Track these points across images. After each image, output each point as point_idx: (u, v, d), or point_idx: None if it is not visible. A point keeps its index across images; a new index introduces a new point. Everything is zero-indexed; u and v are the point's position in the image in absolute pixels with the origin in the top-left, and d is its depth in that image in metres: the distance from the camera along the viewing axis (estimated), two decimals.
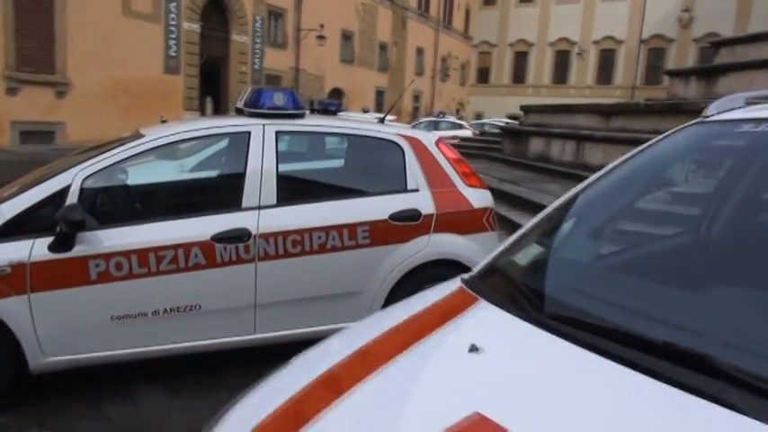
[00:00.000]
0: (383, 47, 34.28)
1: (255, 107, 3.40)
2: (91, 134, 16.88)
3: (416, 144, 3.59)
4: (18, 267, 2.78)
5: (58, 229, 2.82)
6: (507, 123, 26.70)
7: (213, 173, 3.45)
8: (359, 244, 3.32)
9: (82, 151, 3.55)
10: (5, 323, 2.79)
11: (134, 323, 3.01)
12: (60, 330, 2.91)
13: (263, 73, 24.79)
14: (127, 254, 2.93)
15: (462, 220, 3.58)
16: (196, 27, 20.79)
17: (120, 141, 3.33)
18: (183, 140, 3.18)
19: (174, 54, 19.92)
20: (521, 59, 46.79)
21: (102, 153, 3.05)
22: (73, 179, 2.92)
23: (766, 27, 41.00)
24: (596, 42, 43.49)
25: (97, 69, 17.06)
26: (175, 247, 3.00)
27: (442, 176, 3.58)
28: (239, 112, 3.79)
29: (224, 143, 3.47)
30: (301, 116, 3.49)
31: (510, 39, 46.78)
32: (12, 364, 2.87)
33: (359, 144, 3.59)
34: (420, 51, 38.65)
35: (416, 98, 39.51)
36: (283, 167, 3.28)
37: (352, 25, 30.97)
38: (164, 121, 3.65)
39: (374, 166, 3.69)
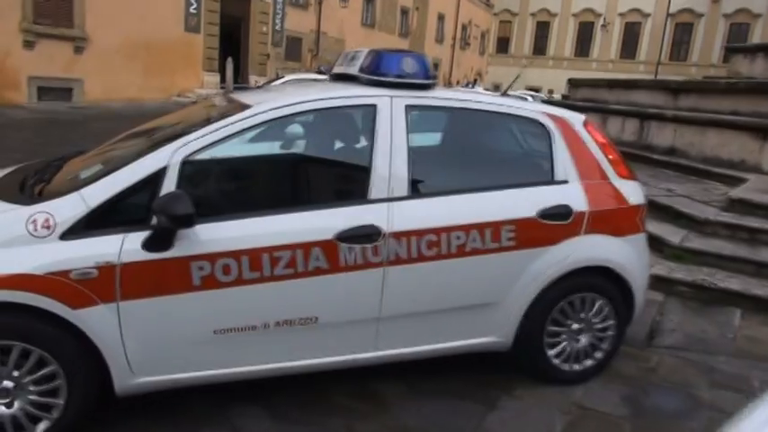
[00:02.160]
0: (405, 11, 33.12)
1: (376, 74, 2.77)
2: (110, 93, 16.22)
3: (564, 125, 2.98)
4: (106, 269, 2.20)
5: (155, 223, 2.24)
6: (534, 96, 25.80)
7: (332, 155, 2.82)
8: (502, 246, 2.73)
9: (156, 124, 2.94)
10: (89, 338, 2.23)
11: (240, 338, 2.45)
12: (154, 346, 2.35)
13: (284, 34, 23.87)
14: (236, 254, 2.35)
15: (616, 219, 2.99)
16: None
17: (215, 111, 2.73)
18: (299, 113, 2.56)
19: (194, 11, 19.04)
20: (542, 30, 45.39)
21: (200, 127, 2.43)
22: (169, 159, 2.32)
23: None
24: (622, 15, 42.09)
25: (116, 25, 16.24)
26: (293, 246, 2.42)
27: (592, 165, 2.98)
28: (339, 78, 3.17)
29: (343, 118, 2.85)
30: (429, 87, 2.87)
31: (532, 8, 45.31)
32: (95, 387, 2.32)
33: (498, 124, 2.97)
34: (441, 18, 37.45)
35: (435, 66, 38.42)
36: (414, 150, 2.66)
37: None
38: (258, 87, 3.02)
39: (516, 150, 3.08)
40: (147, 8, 17.16)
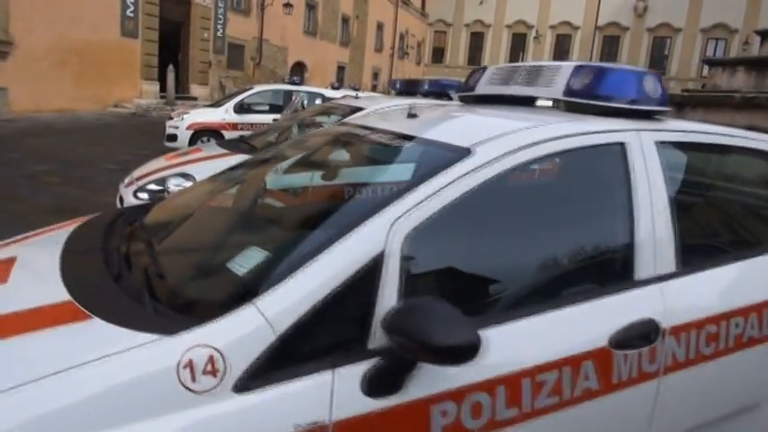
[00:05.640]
0: (345, 20, 32.37)
1: (599, 98, 1.98)
2: (38, 103, 14.42)
3: None
4: None
5: (382, 345, 1.35)
6: None
7: (580, 216, 1.97)
8: None
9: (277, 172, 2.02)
10: None
11: None
12: None
13: (225, 41, 22.48)
14: (489, 386, 1.49)
15: None
16: None
17: (380, 150, 1.86)
18: (539, 159, 1.72)
19: (131, 15, 17.43)
20: (477, 40, 45.90)
21: (410, 186, 1.55)
22: (387, 239, 1.43)
23: (716, 19, 42.14)
24: (553, 27, 43.24)
25: (45, 28, 14.51)
26: (560, 363, 1.59)
27: None
28: (486, 101, 2.39)
29: (584, 163, 2.01)
30: (663, 114, 2.12)
31: (467, 19, 45.75)
32: None
33: (748, 162, 2.25)
34: (380, 27, 37.03)
35: (375, 75, 37.94)
36: (674, 206, 1.89)
37: None
38: (412, 116, 2.14)
39: (760, 196, 2.36)
40: (80, 10, 15.47)
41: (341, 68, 32.95)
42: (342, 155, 2.07)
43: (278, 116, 10.12)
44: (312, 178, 2.00)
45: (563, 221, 1.85)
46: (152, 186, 4.19)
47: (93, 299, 1.41)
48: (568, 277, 1.75)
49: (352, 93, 12.45)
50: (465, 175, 1.58)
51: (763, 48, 11.19)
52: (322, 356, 1.34)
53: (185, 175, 4.15)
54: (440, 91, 5.44)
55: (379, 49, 37.53)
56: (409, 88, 5.82)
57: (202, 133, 10.24)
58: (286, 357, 1.30)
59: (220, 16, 21.91)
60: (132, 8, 17.38)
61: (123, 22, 17.19)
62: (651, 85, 1.99)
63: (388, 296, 1.40)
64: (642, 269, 1.79)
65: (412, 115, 2.14)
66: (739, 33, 36.60)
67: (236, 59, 23.44)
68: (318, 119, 5.64)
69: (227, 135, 10.08)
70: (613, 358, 1.67)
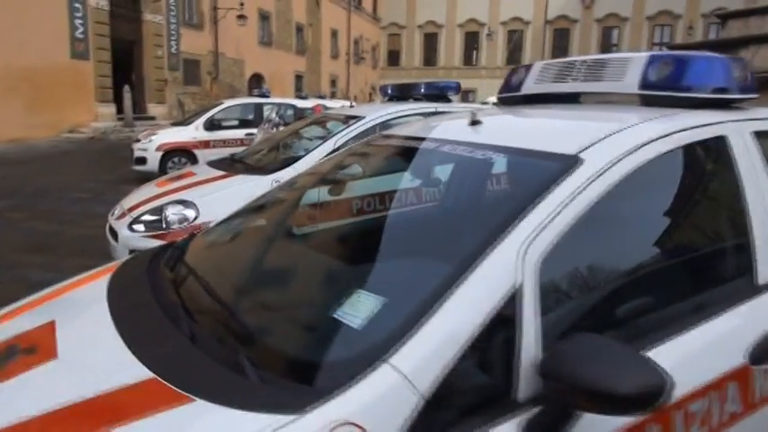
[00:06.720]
0: (300, 28, 32.02)
1: (677, 87, 1.83)
2: None
3: None
4: None
5: (536, 393, 1.15)
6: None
7: (690, 223, 1.77)
8: None
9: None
10: None
11: None
12: None
13: (180, 57, 21.88)
14: (642, 425, 1.30)
15: None
16: (105, 4, 17.62)
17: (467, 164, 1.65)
18: (649, 162, 1.55)
19: (81, 36, 16.75)
20: (430, 41, 46.11)
21: (527, 205, 1.34)
22: (521, 268, 1.22)
23: (660, 6, 43.24)
24: (504, 23, 43.80)
25: None
26: (706, 390, 1.41)
27: None
28: (535, 100, 2.22)
29: (684, 160, 1.84)
30: (748, 102, 1.98)
31: (419, 20, 45.90)
32: None
33: None
34: (334, 33, 36.79)
35: (333, 82, 37.66)
36: None
37: (269, 4, 28.42)
38: (475, 122, 1.93)
39: None
40: (26, 35, 14.75)
41: (299, 77, 32.56)
42: (421, 172, 1.85)
43: (252, 131, 9.80)
44: (398, 200, 1.77)
45: (679, 229, 1.67)
46: (147, 217, 3.86)
47: (181, 373, 1.15)
48: (697, 290, 1.57)
49: (321, 101, 12.22)
50: (586, 186, 1.38)
51: (724, 30, 11.46)
52: (471, 415, 1.12)
53: (184, 203, 3.84)
54: (438, 93, 5.25)
55: (335, 56, 37.29)
56: (402, 92, 5.62)
57: (173, 154, 9.82)
58: (434, 421, 1.08)
59: (173, 32, 21.31)
60: (81, 29, 16.71)
61: (73, 44, 16.50)
62: (740, 72, 1.85)
63: (530, 336, 1.19)
64: (763, 272, 1.63)
65: (475, 122, 1.94)
66: (683, 19, 37.80)
67: (192, 75, 22.85)
68: (307, 131, 5.39)
69: (200, 154, 9.70)
70: (753, 375, 1.50)
